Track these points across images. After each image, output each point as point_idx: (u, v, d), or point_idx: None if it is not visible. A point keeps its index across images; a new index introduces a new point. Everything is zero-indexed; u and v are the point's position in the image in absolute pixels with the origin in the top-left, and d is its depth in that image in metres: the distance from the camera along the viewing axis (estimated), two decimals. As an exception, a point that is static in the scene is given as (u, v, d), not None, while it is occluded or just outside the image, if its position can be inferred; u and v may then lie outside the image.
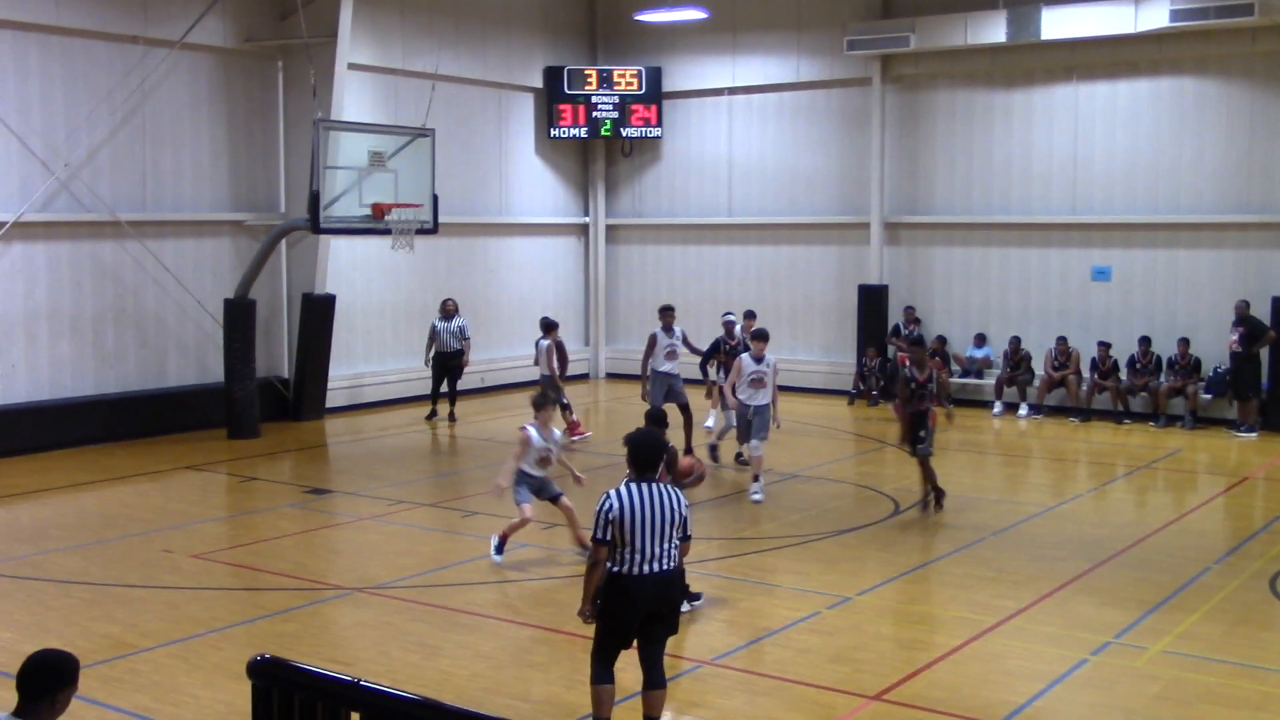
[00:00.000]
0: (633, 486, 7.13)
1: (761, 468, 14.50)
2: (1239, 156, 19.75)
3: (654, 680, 7.38)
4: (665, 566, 7.12)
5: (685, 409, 16.52)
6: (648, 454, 7.32)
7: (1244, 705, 8.37)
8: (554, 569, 11.75)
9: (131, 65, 18.15)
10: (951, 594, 10.87)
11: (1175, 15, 18.92)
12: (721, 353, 16.87)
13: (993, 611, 10.28)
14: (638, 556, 7.05)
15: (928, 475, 13.75)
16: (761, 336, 14.69)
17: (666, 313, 17.16)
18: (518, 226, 24.50)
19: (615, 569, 7.10)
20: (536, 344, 18.63)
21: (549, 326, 18.58)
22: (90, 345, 17.98)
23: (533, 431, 11.46)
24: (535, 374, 24.46)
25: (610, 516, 7.03)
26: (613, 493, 7.11)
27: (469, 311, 22.51)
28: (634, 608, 7.10)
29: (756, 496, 14.21)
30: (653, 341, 16.70)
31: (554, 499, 11.67)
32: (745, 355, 14.61)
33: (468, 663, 9.08)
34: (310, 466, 17.27)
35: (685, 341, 17.25)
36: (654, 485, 7.18)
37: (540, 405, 11.71)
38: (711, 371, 17.97)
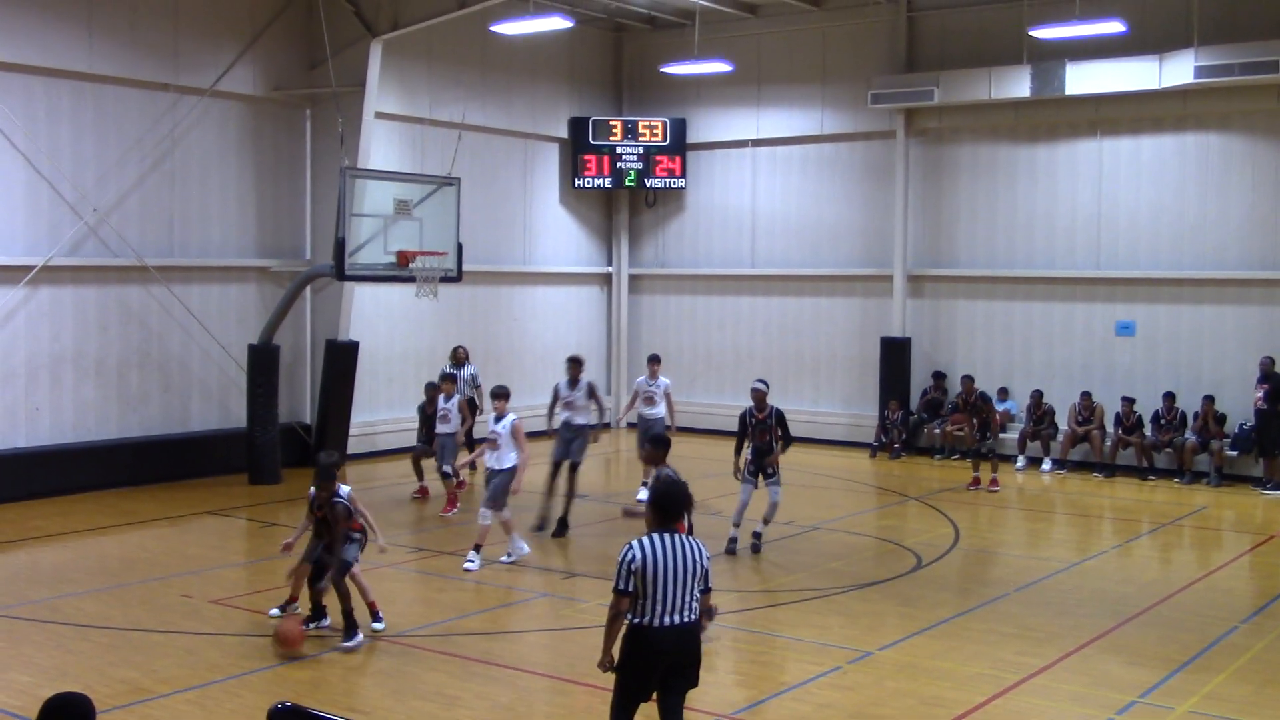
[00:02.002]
0: (655, 537, 7.04)
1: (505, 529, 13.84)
2: (1264, 213, 19.73)
3: None
4: (686, 619, 7.02)
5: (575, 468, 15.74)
6: (671, 504, 7.23)
7: (1272, 768, 8.25)
8: (570, 619, 11.70)
9: (162, 112, 18.39)
10: (974, 650, 10.77)
11: (1200, 72, 18.97)
12: (750, 429, 14.66)
13: (1016, 669, 10.18)
14: (659, 608, 6.95)
15: None
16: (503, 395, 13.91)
17: (574, 364, 16.22)
18: (541, 275, 24.61)
19: (636, 620, 6.99)
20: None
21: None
22: (114, 389, 18.10)
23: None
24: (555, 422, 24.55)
25: (633, 567, 6.93)
26: (635, 543, 7.01)
27: (491, 359, 22.61)
28: (655, 660, 6.99)
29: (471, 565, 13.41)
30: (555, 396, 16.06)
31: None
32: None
33: (485, 713, 9.03)
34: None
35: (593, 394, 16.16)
36: (676, 536, 7.10)
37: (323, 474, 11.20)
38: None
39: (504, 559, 13.58)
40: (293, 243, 20.35)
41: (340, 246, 17.11)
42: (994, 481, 18.93)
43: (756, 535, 14.40)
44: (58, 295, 17.44)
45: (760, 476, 14.39)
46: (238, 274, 19.61)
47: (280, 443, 18.88)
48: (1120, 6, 19.32)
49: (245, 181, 19.66)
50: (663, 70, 23.41)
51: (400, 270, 17.69)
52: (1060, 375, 21.31)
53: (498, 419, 13.64)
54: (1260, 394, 18.91)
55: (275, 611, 11.35)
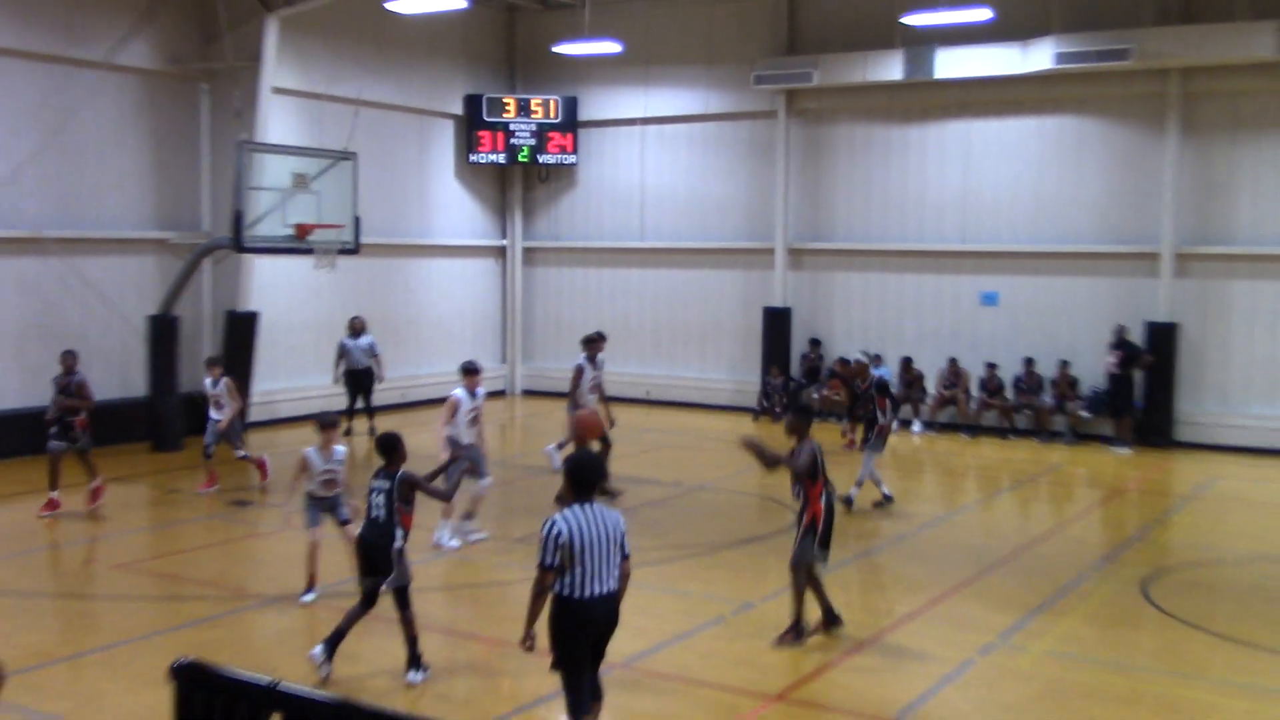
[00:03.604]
0: (577, 509, 6.89)
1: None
2: (1116, 191, 20.36)
3: (598, 693, 7.18)
4: (611, 587, 6.92)
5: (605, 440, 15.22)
6: (588, 476, 7.07)
7: (1117, 701, 8.64)
8: (468, 574, 11.73)
9: (57, 85, 17.81)
10: (850, 598, 11.04)
11: (1059, 58, 19.48)
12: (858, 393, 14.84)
13: (887, 615, 10.49)
14: (588, 578, 6.82)
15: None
16: (475, 370, 12.91)
17: (592, 343, 15.65)
18: (438, 248, 24.41)
19: (565, 594, 6.84)
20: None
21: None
22: (13, 359, 17.56)
23: (312, 453, 10.66)
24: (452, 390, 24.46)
25: (560, 541, 6.76)
26: (559, 518, 6.83)
27: (390, 329, 22.40)
28: (588, 629, 6.89)
29: (452, 544, 12.75)
30: (579, 373, 15.28)
31: (342, 523, 10.87)
32: (460, 391, 12.64)
33: (387, 666, 9.03)
34: (232, 479, 16.99)
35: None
36: (595, 507, 6.95)
37: (326, 426, 10.82)
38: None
39: (455, 542, 12.72)
40: (191, 215, 19.90)
41: (238, 219, 16.80)
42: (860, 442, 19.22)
43: (887, 496, 14.80)
44: (-47, 266, 16.85)
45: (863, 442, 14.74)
46: (136, 246, 19.12)
47: (182, 411, 18.52)
48: (986, -5, 19.73)
49: (142, 154, 19.15)
50: (555, 50, 23.29)
51: (299, 243, 17.44)
52: (929, 342, 21.80)
53: (474, 394, 12.62)
54: (1113, 359, 19.57)
55: (306, 598, 10.70)
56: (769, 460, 9.89)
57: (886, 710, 8.38)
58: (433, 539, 12.50)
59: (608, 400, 15.49)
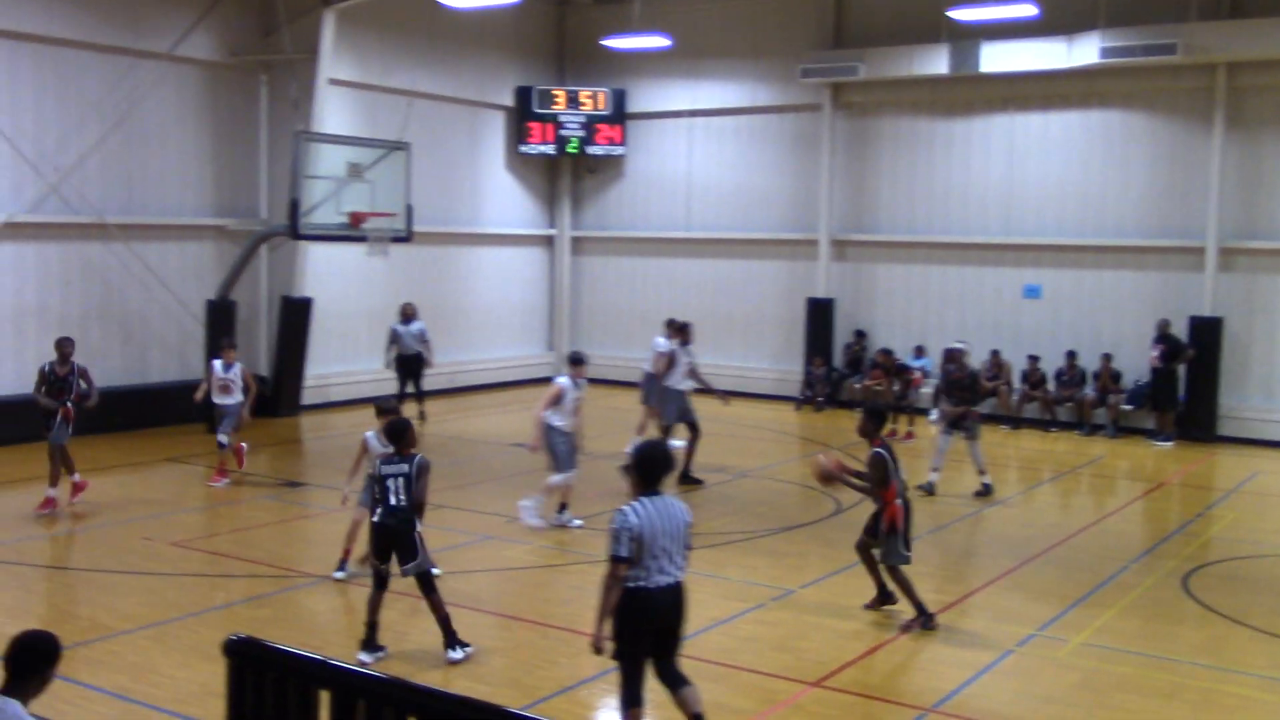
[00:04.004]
0: (645, 501, 6.74)
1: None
2: (1162, 185, 20.04)
3: (682, 679, 6.98)
4: (677, 578, 6.80)
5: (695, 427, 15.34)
6: (656, 467, 6.88)
7: (1155, 694, 8.51)
8: (513, 557, 11.75)
9: (121, 75, 18.01)
10: (892, 586, 10.93)
11: (1105, 53, 19.18)
12: (949, 386, 15.14)
13: (928, 604, 10.37)
14: (655, 570, 6.68)
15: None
16: (583, 360, 13.05)
17: (683, 330, 15.72)
18: (487, 237, 24.47)
19: (633, 585, 6.68)
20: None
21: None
22: (76, 342, 17.75)
23: (371, 436, 10.65)
24: (500, 376, 24.56)
25: (634, 533, 6.61)
26: (628, 509, 6.68)
27: (440, 316, 22.50)
28: (653, 620, 6.75)
29: (537, 523, 12.73)
30: (671, 359, 15.38)
31: None
32: (566, 380, 12.70)
33: (433, 646, 9.06)
34: (286, 460, 17.18)
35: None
36: (663, 497, 6.82)
37: (384, 412, 10.57)
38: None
39: (540, 522, 12.72)
40: (248, 203, 20.07)
41: (294, 207, 16.93)
42: (909, 434, 19.21)
43: (986, 486, 14.85)
44: (20, 251, 17.09)
45: (959, 429, 14.88)
46: (195, 232, 19.32)
47: (237, 394, 18.69)
48: (1032, -10, 19.45)
49: (202, 143, 19.33)
50: (604, 43, 23.26)
51: (352, 230, 17.55)
52: (972, 335, 21.49)
53: (579, 384, 12.66)
54: (1156, 353, 19.29)
55: (339, 574, 10.68)
56: (855, 486, 9.93)
57: (924, 699, 8.31)
58: (518, 510, 12.60)
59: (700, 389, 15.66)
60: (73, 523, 12.78)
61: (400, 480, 8.73)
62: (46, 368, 13.24)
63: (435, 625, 8.85)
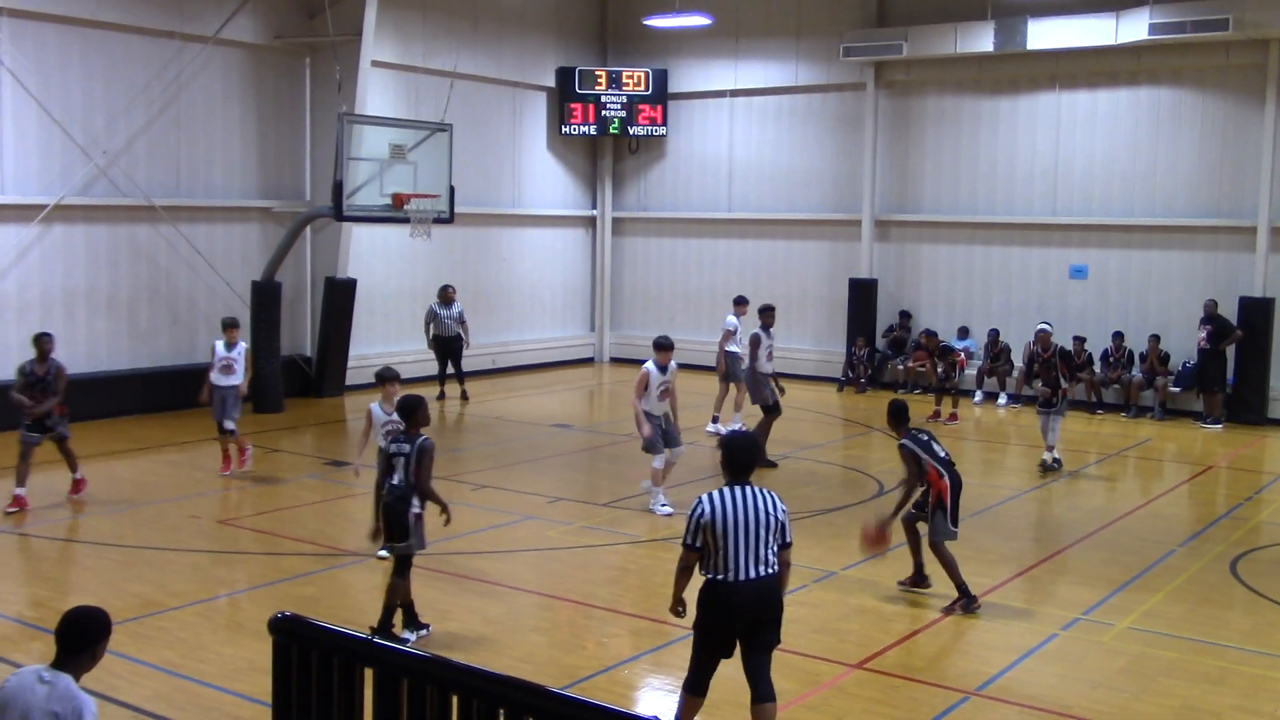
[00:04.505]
0: (725, 491, 6.56)
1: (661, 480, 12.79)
2: (1211, 164, 19.72)
3: (762, 693, 6.65)
4: (764, 572, 6.50)
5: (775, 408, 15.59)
6: (742, 457, 6.72)
7: (1203, 680, 8.40)
8: (555, 537, 11.79)
9: (168, 59, 18.14)
10: (930, 570, 10.87)
11: (1154, 29, 18.87)
12: (1037, 365, 15.41)
13: (973, 586, 10.28)
14: (733, 562, 6.46)
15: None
16: (668, 345, 12.73)
17: (766, 313, 15.90)
18: (529, 218, 24.49)
19: (711, 576, 6.53)
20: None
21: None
22: (125, 322, 18.02)
23: (375, 407, 10.78)
24: (542, 357, 24.60)
25: (702, 522, 6.48)
26: (704, 497, 6.55)
27: (481, 297, 22.59)
28: (732, 615, 6.51)
29: (665, 510, 12.57)
30: (755, 342, 15.56)
31: None
32: (651, 365, 12.61)
33: (477, 625, 9.12)
34: (330, 440, 17.31)
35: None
36: (748, 489, 6.60)
37: (384, 380, 10.91)
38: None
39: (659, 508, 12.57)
40: (293, 185, 20.18)
41: (338, 189, 16.99)
42: (953, 415, 19.07)
43: (1056, 461, 15.30)
44: (70, 233, 17.29)
45: (1049, 407, 15.17)
46: (241, 214, 19.46)
47: (282, 374, 18.86)
48: (1080, -35, 19.17)
49: (248, 126, 19.45)
50: (645, 23, 23.16)
51: (395, 212, 17.59)
52: (1016, 315, 21.37)
53: (663, 369, 12.54)
54: (1204, 334, 19.02)
55: (383, 552, 10.25)
56: (902, 506, 9.89)
57: (968, 682, 8.25)
58: (649, 504, 12.63)
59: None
60: (123, 501, 12.94)
61: (402, 460, 8.72)
62: (26, 366, 12.40)
63: (487, 603, 8.87)
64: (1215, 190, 19.70)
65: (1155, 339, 19.67)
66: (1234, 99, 19.49)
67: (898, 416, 9.97)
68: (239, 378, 13.95)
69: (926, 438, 9.81)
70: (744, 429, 6.87)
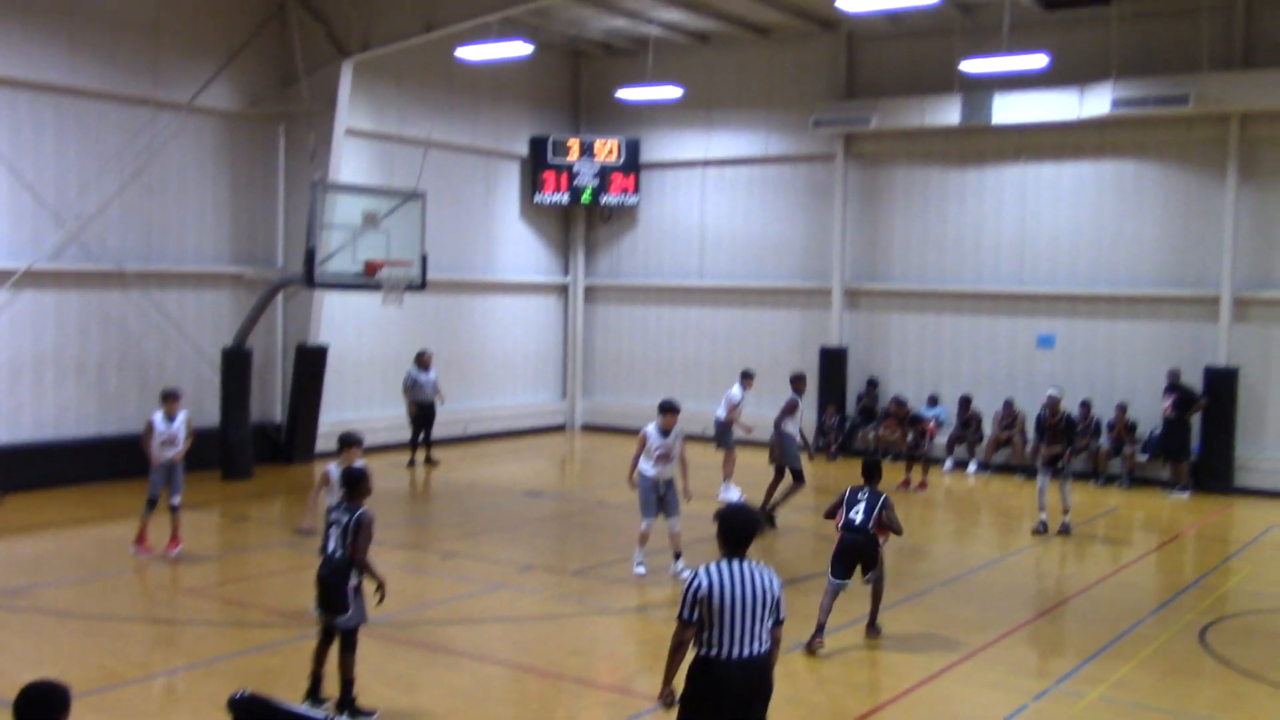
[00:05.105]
0: (723, 564, 6.36)
1: (680, 544, 12.95)
2: (1174, 235, 20.05)
3: None
4: (757, 651, 6.28)
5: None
6: (741, 531, 6.49)
7: (1174, 750, 8.39)
8: (524, 607, 11.70)
9: (141, 126, 18.20)
10: (903, 640, 10.87)
11: (1117, 104, 19.27)
12: (1044, 431, 15.88)
13: (940, 658, 10.28)
14: (727, 639, 6.22)
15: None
16: (671, 409, 12.89)
17: (799, 380, 16.52)
18: (502, 285, 24.57)
19: (703, 652, 6.28)
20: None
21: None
22: (94, 389, 17.89)
23: (333, 469, 10.70)
24: (514, 424, 24.57)
25: (699, 595, 6.24)
26: (702, 570, 6.34)
27: (453, 364, 22.59)
28: (723, 695, 6.25)
29: (640, 570, 12.85)
30: (792, 407, 16.01)
31: None
32: (652, 427, 12.76)
33: (445, 699, 9.01)
34: (299, 507, 17.10)
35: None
36: (745, 564, 6.41)
37: (346, 444, 10.82)
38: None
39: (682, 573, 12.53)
40: (266, 251, 20.20)
41: (310, 256, 17.03)
42: (923, 484, 19.13)
43: (1064, 526, 15.71)
44: (40, 299, 17.22)
45: (1053, 471, 15.74)
46: (212, 280, 19.44)
47: (252, 441, 18.74)
48: (1044, 41, 19.57)
49: (221, 193, 19.50)
50: (618, 94, 23.46)
51: (368, 279, 17.64)
52: (985, 384, 21.53)
53: (665, 433, 12.67)
54: (1168, 403, 19.21)
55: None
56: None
57: (939, 753, 8.20)
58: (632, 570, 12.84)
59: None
60: (89, 569, 12.76)
61: (339, 530, 8.50)
62: None
63: (456, 676, 8.79)
64: (1179, 261, 20.01)
65: (1122, 408, 19.85)
66: (1196, 172, 19.87)
67: (866, 472, 10.85)
68: (180, 448, 13.25)
69: (862, 496, 10.64)
70: (743, 500, 6.67)
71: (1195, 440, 19.47)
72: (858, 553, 10.56)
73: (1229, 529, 17.05)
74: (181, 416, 13.24)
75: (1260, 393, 19.35)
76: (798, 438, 15.95)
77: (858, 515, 10.53)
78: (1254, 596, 12.98)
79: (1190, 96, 18.69)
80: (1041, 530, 15.68)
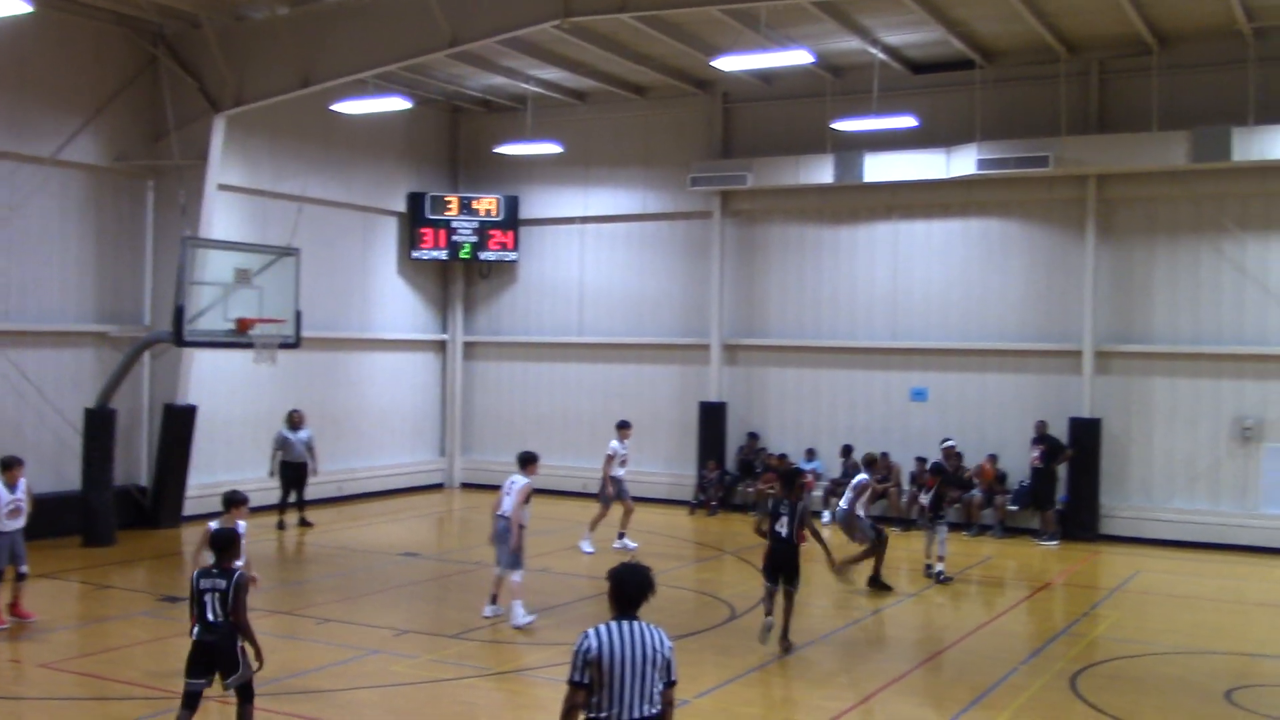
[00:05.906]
0: (613, 625, 6.25)
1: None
2: (1038, 291, 20.75)
3: None
4: (649, 712, 6.19)
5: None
6: (633, 591, 6.40)
7: (1047, 799, 8.53)
8: (401, 676, 11.45)
9: (1, 180, 17.61)
10: (782, 695, 10.90)
11: (981, 164, 19.95)
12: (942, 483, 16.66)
13: (820, 712, 10.33)
14: (618, 702, 6.12)
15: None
16: (525, 461, 13.96)
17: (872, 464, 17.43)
18: (378, 342, 24.26)
19: (594, 716, 6.17)
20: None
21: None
22: (-56, 452, 17.07)
23: (215, 528, 10.29)
24: (391, 483, 24.19)
25: (589, 657, 6.12)
26: (591, 632, 6.21)
27: (329, 423, 22.15)
28: None
29: (527, 619, 13.19)
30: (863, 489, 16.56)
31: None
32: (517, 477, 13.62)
33: (316, 771, 8.74)
34: (165, 574, 16.57)
35: None
36: (635, 624, 6.32)
37: (231, 504, 10.92)
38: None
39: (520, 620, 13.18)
40: (132, 309, 19.63)
41: (179, 313, 16.61)
42: (802, 537, 19.23)
43: (938, 574, 16.32)
44: (-114, 359, 16.44)
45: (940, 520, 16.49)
46: (74, 339, 18.80)
47: (115, 505, 18.09)
48: (912, 103, 20.21)
49: (85, 249, 18.92)
50: (497, 150, 23.50)
51: (240, 336, 17.25)
52: (862, 437, 21.88)
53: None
54: (1036, 454, 19.76)
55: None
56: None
57: (820, 810, 8.22)
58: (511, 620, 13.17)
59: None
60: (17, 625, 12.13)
61: (216, 596, 8.41)
62: None
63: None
64: (1043, 315, 20.70)
65: (993, 458, 20.36)
66: (1057, 230, 20.63)
67: (784, 483, 12.97)
68: (23, 522, 12.87)
69: (783, 511, 12.44)
70: (634, 561, 6.57)
71: (1061, 490, 20.05)
72: (783, 560, 12.43)
73: (1096, 576, 17.55)
74: (23, 484, 12.94)
75: (1122, 442, 20.04)
76: (865, 516, 16.29)
77: (782, 528, 12.39)
78: (1121, 642, 13.34)
79: (1050, 158, 19.44)
80: (944, 578, 16.27)
